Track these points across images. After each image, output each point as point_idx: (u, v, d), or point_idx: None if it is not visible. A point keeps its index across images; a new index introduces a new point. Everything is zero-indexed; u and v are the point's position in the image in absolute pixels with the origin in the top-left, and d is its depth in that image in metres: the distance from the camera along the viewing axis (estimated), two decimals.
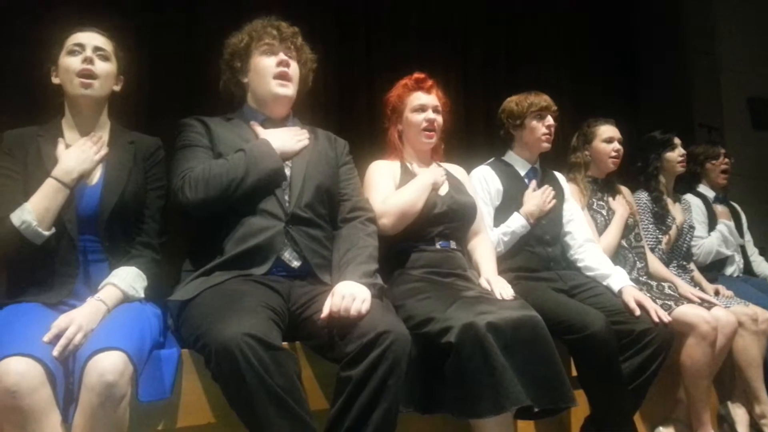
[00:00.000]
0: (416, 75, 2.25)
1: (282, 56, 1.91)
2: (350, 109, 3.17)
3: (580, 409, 2.01)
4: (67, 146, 1.71)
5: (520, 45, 3.83)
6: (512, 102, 2.51)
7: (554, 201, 2.42)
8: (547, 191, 2.42)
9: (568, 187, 2.58)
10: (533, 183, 2.45)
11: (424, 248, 2.08)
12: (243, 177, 1.76)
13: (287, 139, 1.90)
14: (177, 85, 2.65)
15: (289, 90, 1.93)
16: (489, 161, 2.52)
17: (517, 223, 2.33)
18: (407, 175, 2.16)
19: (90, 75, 1.70)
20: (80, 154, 1.68)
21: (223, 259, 1.74)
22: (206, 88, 2.44)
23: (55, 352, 1.38)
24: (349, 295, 1.61)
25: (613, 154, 2.70)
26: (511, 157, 2.52)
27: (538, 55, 3.87)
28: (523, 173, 2.48)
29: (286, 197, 1.83)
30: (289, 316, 1.70)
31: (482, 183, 2.40)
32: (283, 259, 1.79)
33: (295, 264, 1.80)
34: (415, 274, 2.02)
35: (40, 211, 1.59)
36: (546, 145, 2.46)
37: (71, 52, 1.72)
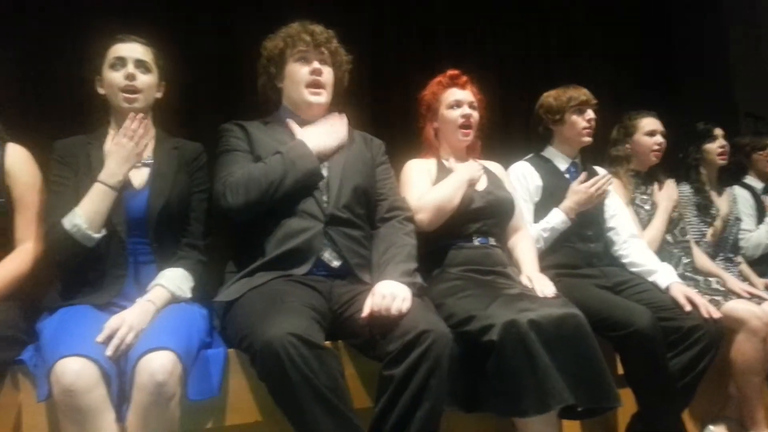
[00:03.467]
0: (450, 71, 2.24)
1: (315, 65, 1.93)
2: (384, 109, 3.18)
3: (627, 408, 1.98)
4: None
5: (555, 37, 3.77)
6: (550, 96, 2.47)
7: (600, 199, 2.35)
8: (597, 184, 2.32)
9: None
10: (583, 174, 2.37)
11: (462, 245, 2.07)
12: (281, 179, 1.78)
13: (323, 137, 1.91)
14: (213, 90, 2.71)
15: (322, 98, 1.96)
16: (527, 157, 2.49)
17: (556, 218, 2.29)
18: (443, 173, 2.16)
19: (133, 90, 1.76)
20: (121, 154, 1.70)
21: (264, 261, 1.77)
22: (242, 92, 2.49)
23: (109, 352, 1.42)
24: (389, 294, 1.62)
25: (656, 147, 2.64)
26: (551, 152, 2.49)
27: (573, 47, 3.81)
28: (563, 168, 2.44)
29: (324, 198, 1.85)
30: (330, 315, 1.72)
31: (521, 179, 2.37)
32: (323, 259, 1.81)
33: (335, 264, 1.82)
34: (454, 272, 2.01)
35: (90, 215, 1.64)
36: (587, 140, 2.42)
37: (113, 66, 1.78)
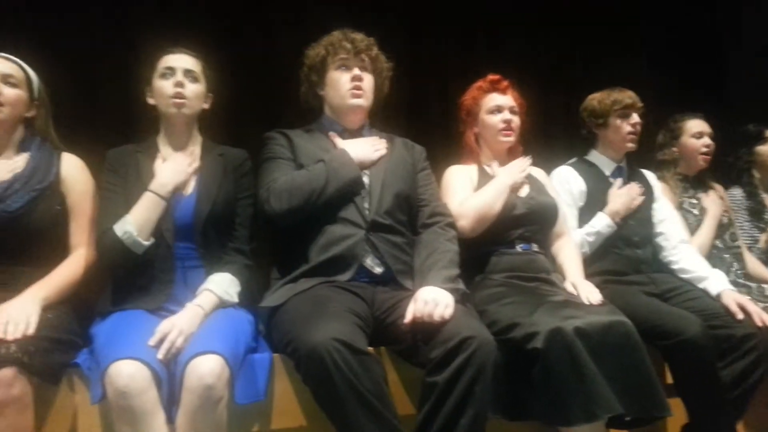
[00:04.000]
0: (491, 76, 2.24)
1: (356, 71, 1.96)
2: (423, 114, 3.18)
3: (678, 418, 1.93)
4: (164, 161, 1.83)
5: (596, 39, 3.70)
6: (594, 100, 2.44)
7: (642, 198, 2.33)
8: (633, 188, 2.33)
9: (658, 186, 2.48)
10: (618, 181, 2.37)
11: (504, 251, 2.06)
12: (324, 186, 1.81)
13: (365, 148, 1.94)
14: (257, 98, 2.76)
15: (363, 100, 1.98)
16: (571, 161, 2.46)
17: (601, 222, 2.26)
18: (485, 178, 2.15)
19: (181, 97, 1.81)
20: (174, 168, 1.79)
21: (308, 267, 1.80)
22: (283, 100, 2.54)
23: (160, 355, 1.47)
24: (432, 301, 1.62)
25: (704, 149, 2.57)
26: (595, 156, 2.45)
27: (614, 49, 3.73)
28: (608, 173, 2.40)
29: (366, 205, 1.87)
30: (373, 321, 1.73)
31: (564, 184, 2.35)
32: (366, 265, 1.82)
33: (378, 270, 1.83)
34: (496, 278, 2.00)
35: (140, 222, 1.69)
36: (631, 145, 2.38)
37: (163, 75, 1.83)
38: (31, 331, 1.48)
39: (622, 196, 2.30)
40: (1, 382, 1.37)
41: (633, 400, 1.65)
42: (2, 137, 1.75)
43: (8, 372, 1.38)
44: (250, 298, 1.81)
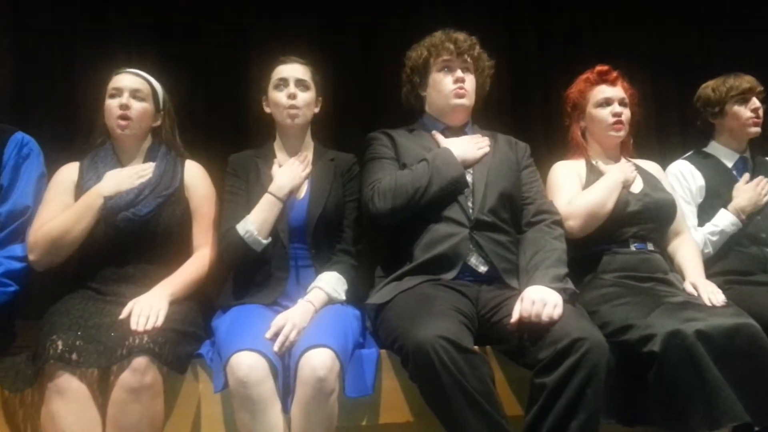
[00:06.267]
0: (599, 67, 2.15)
1: (458, 73, 1.97)
2: (526, 110, 3.11)
3: None
4: (280, 166, 1.93)
5: (711, 22, 3.44)
6: (708, 88, 2.31)
7: None
8: (762, 183, 2.17)
9: None
10: (746, 176, 2.21)
11: (617, 251, 1.98)
12: (427, 186, 1.82)
13: (468, 147, 1.93)
14: (357, 100, 2.83)
15: (466, 100, 1.98)
16: (687, 154, 2.33)
17: (725, 220, 2.12)
18: (594, 174, 2.07)
19: (294, 108, 1.91)
20: (290, 172, 1.89)
21: (412, 266, 1.82)
22: (384, 101, 2.59)
23: (276, 348, 1.55)
24: (540, 300, 1.59)
25: None
26: (714, 147, 2.30)
27: (730, 32, 3.45)
28: (730, 165, 2.26)
29: (470, 204, 1.86)
30: (478, 320, 1.72)
31: (680, 179, 2.23)
32: (470, 264, 1.82)
33: (482, 269, 1.82)
34: (608, 278, 1.93)
35: (260, 222, 1.80)
36: (754, 130, 2.23)
37: (277, 87, 1.94)
38: (160, 323, 1.60)
39: (748, 191, 2.15)
40: (135, 370, 1.50)
41: (761, 409, 1.56)
42: (132, 147, 1.92)
43: (141, 360, 1.51)
44: (356, 297, 1.86)
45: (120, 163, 1.90)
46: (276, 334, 1.57)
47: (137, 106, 1.88)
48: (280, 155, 1.99)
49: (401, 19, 2.93)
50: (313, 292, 1.75)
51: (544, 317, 1.56)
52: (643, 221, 1.99)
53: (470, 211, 1.85)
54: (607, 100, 2.10)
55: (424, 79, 2.04)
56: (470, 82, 1.99)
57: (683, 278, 1.97)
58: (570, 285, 1.72)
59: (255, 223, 1.80)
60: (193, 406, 1.68)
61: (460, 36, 1.99)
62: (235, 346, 1.51)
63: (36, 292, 1.84)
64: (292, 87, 1.92)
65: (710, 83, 2.31)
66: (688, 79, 2.86)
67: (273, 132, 2.03)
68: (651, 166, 2.18)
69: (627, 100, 2.13)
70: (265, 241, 1.80)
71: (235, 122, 2.65)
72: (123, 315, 1.62)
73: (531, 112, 3.07)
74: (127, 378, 1.50)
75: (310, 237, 1.85)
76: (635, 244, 1.98)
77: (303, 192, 1.91)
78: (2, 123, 1.92)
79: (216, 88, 2.70)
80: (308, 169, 1.93)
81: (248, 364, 1.47)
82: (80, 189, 1.83)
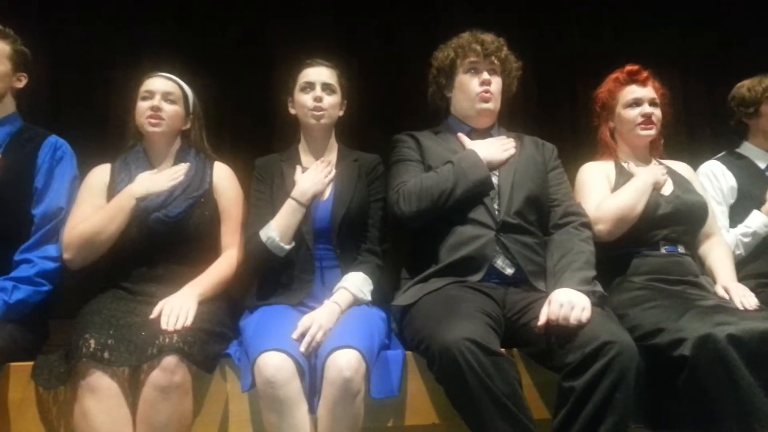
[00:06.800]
0: (629, 67, 2.12)
1: (485, 75, 1.95)
2: (551, 111, 3.09)
3: None
4: (304, 170, 1.94)
5: (743, 20, 3.36)
6: (743, 87, 2.28)
7: None
8: None
9: None
10: None
11: (647, 254, 1.95)
12: (452, 188, 1.82)
13: (494, 149, 1.92)
14: (382, 102, 2.84)
15: (491, 104, 1.97)
16: (719, 155, 2.29)
17: (758, 221, 2.08)
18: (623, 176, 2.04)
19: (320, 110, 1.93)
20: (313, 177, 1.90)
21: (438, 267, 1.82)
22: (409, 104, 2.59)
23: (302, 348, 1.56)
24: (567, 303, 1.57)
25: None
26: (747, 148, 2.26)
27: (761, 30, 3.37)
28: (763, 166, 2.22)
29: (496, 206, 1.85)
30: (504, 322, 1.71)
31: (712, 179, 2.19)
32: (496, 266, 1.81)
33: (509, 271, 1.81)
34: (638, 281, 1.90)
35: (282, 228, 1.82)
36: None
37: (303, 89, 1.96)
38: (189, 323, 1.63)
39: None
40: (165, 369, 1.53)
41: None
42: (162, 149, 1.95)
43: (171, 359, 1.53)
44: (381, 298, 1.86)
45: (151, 165, 1.94)
46: (302, 335, 1.58)
47: (168, 109, 1.91)
48: (305, 157, 2.00)
49: (427, 20, 2.94)
50: (339, 292, 1.76)
51: (572, 320, 1.54)
52: (674, 223, 1.96)
53: (496, 213, 1.84)
54: (637, 100, 2.07)
55: (450, 80, 2.03)
56: (496, 84, 1.98)
57: (714, 281, 1.93)
58: (598, 288, 1.70)
59: (277, 229, 1.82)
60: (221, 405, 1.70)
61: (488, 37, 1.98)
62: (262, 346, 1.52)
63: (69, 292, 1.88)
64: (318, 90, 1.94)
65: (745, 83, 2.28)
66: (718, 80, 2.81)
67: (298, 134, 2.05)
68: (682, 168, 2.15)
69: (658, 101, 2.10)
70: (287, 247, 1.82)
71: (261, 124, 2.68)
72: (153, 314, 1.65)
73: (557, 113, 3.05)
74: (157, 376, 1.52)
75: (335, 237, 1.86)
76: (666, 247, 1.95)
77: (327, 193, 1.92)
78: (37, 126, 1.97)
79: (242, 90, 2.74)
80: (331, 174, 1.94)
81: (275, 364, 1.48)
82: (112, 190, 1.87)
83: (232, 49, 2.79)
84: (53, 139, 1.93)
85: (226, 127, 2.66)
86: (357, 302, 1.76)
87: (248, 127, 2.72)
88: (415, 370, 1.72)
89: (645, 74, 2.10)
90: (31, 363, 1.64)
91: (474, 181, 1.84)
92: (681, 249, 1.97)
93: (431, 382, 1.63)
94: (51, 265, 1.80)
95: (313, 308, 1.72)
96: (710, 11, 3.25)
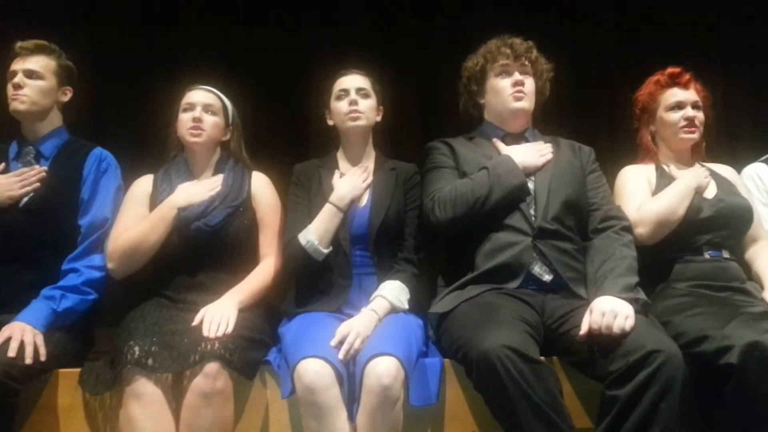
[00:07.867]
0: (670, 69, 2.07)
1: (517, 76, 1.94)
2: (589, 114, 3.05)
3: None
4: (342, 175, 1.96)
5: None
6: None
7: None
8: None
9: None
10: None
11: (690, 259, 1.90)
12: (488, 194, 1.80)
13: (529, 154, 1.91)
14: (416, 110, 2.85)
15: (526, 103, 1.95)
16: (764, 157, 2.21)
17: None
18: (665, 179, 2.00)
19: (356, 112, 1.94)
20: (351, 182, 1.92)
21: (475, 274, 1.80)
22: (441, 109, 2.60)
23: (341, 355, 1.56)
24: (610, 312, 1.55)
25: None
26: None
27: None
28: None
29: (532, 211, 1.84)
30: (543, 330, 1.69)
31: (757, 181, 2.12)
32: (534, 273, 1.79)
33: (547, 278, 1.79)
34: (681, 287, 1.86)
35: (320, 232, 1.84)
36: None
37: (338, 97, 1.98)
38: (230, 330, 1.65)
39: None
40: (207, 375, 1.55)
41: None
42: (203, 159, 2.00)
43: (213, 366, 1.56)
44: (417, 306, 1.86)
45: (192, 175, 1.98)
46: (340, 342, 1.59)
47: (209, 120, 1.95)
48: (343, 164, 2.02)
49: (460, 26, 2.94)
50: (377, 300, 1.76)
51: (616, 329, 1.51)
52: (718, 228, 1.91)
53: (532, 219, 1.82)
54: (680, 103, 2.03)
55: (481, 86, 2.02)
56: (529, 84, 1.97)
57: (762, 287, 1.87)
58: (641, 295, 1.67)
59: (316, 233, 1.83)
60: (262, 411, 1.72)
61: (516, 40, 1.98)
62: (301, 353, 1.54)
63: (113, 300, 1.93)
64: (353, 95, 1.96)
65: None
66: (761, 82, 2.74)
67: (335, 143, 2.07)
68: (726, 171, 2.09)
69: (700, 103, 2.05)
70: (325, 251, 1.83)
71: (298, 134, 2.72)
72: (195, 322, 1.68)
73: (595, 116, 3.01)
74: (199, 383, 1.55)
75: (372, 245, 1.87)
76: (709, 252, 1.91)
77: (365, 200, 1.93)
78: (82, 139, 2.04)
79: (280, 101, 2.79)
80: (369, 180, 1.95)
81: (315, 371, 1.49)
82: (155, 200, 1.92)
83: (271, 60, 2.84)
84: (98, 150, 1.99)
85: (264, 138, 2.70)
86: (394, 310, 1.76)
87: (286, 137, 2.77)
88: (453, 377, 1.71)
89: (687, 77, 2.06)
90: (78, 369, 1.69)
91: (509, 187, 1.82)
92: (725, 254, 1.92)
93: (470, 389, 1.62)
94: (97, 274, 1.86)
95: (350, 315, 1.73)
96: (750, 11, 3.17)
